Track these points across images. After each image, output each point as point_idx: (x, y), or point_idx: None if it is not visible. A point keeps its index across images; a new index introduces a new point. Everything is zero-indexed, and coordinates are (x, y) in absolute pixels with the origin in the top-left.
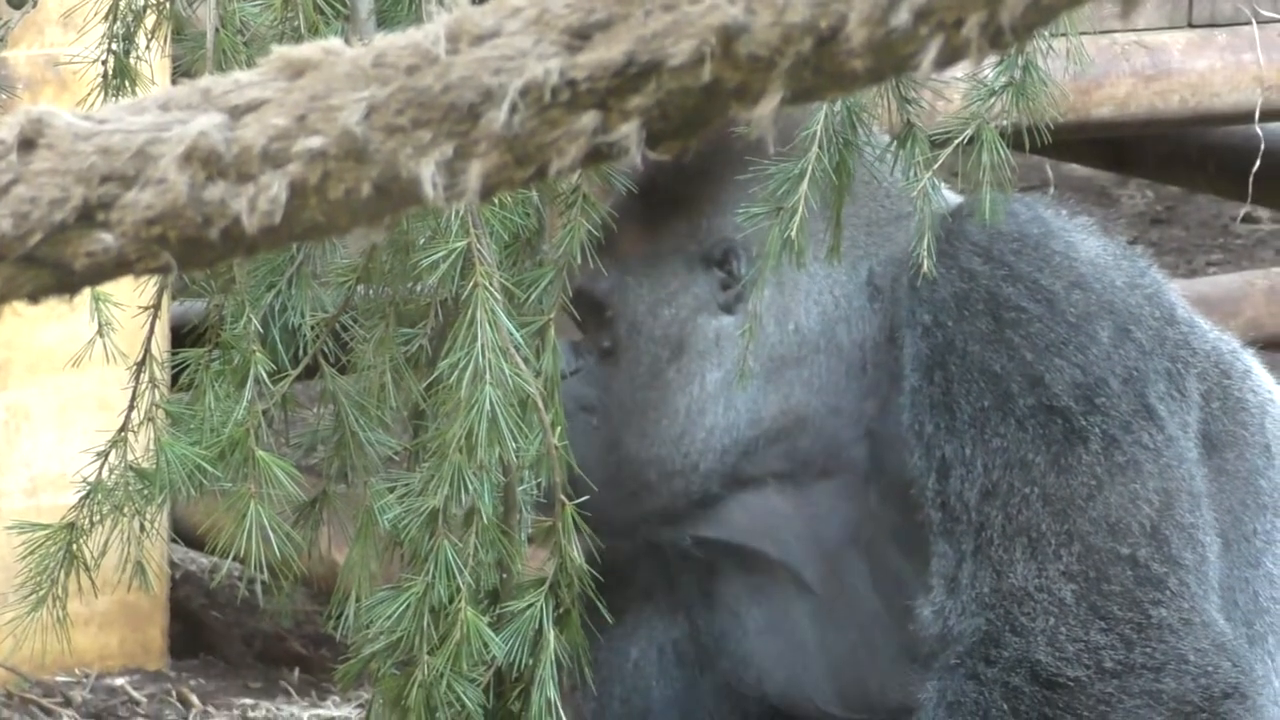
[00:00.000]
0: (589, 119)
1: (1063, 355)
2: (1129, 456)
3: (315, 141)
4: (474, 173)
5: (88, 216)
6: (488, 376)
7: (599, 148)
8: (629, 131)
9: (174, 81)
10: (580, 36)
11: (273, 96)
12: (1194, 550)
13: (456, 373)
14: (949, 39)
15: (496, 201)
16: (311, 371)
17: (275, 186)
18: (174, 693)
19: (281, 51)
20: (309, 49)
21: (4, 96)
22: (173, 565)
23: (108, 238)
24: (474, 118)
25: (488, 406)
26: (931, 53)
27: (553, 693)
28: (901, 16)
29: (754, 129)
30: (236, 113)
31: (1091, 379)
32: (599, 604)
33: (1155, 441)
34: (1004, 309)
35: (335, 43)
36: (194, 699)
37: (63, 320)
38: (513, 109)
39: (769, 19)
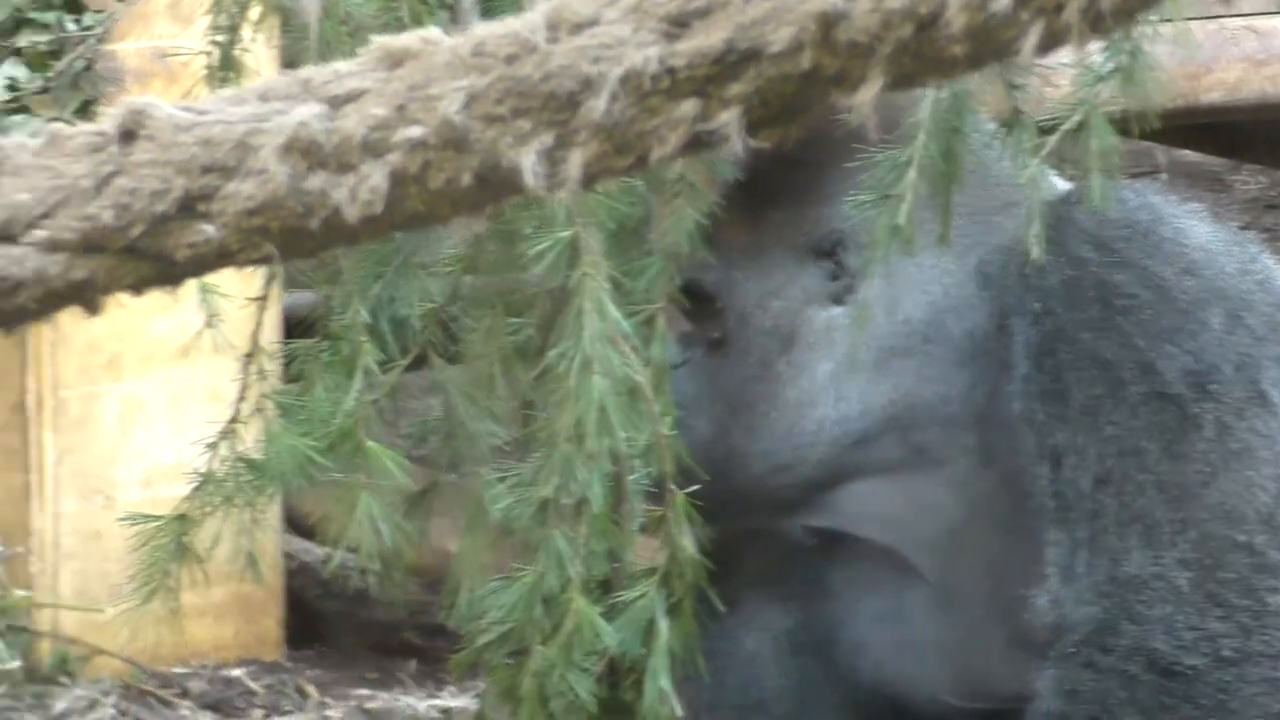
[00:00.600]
0: (689, 107)
1: (1174, 342)
2: (1243, 443)
3: (415, 131)
4: (575, 161)
5: (189, 208)
6: (596, 366)
7: (699, 136)
8: (729, 119)
9: (280, 73)
10: (679, 24)
11: (372, 86)
12: None
13: (565, 362)
14: (1049, 24)
15: (601, 190)
16: (420, 362)
17: (376, 176)
18: (291, 684)
19: (381, 41)
20: (408, 39)
21: (112, 89)
22: (287, 556)
23: (209, 229)
24: (574, 106)
25: (596, 396)
26: (1032, 38)
27: (666, 683)
28: (1001, 2)
29: (855, 116)
30: (336, 103)
31: (1204, 365)
32: (710, 594)
33: (1270, 428)
34: (1114, 296)
35: (434, 32)
36: (311, 690)
37: (172, 312)
38: (613, 97)
39: (868, 5)
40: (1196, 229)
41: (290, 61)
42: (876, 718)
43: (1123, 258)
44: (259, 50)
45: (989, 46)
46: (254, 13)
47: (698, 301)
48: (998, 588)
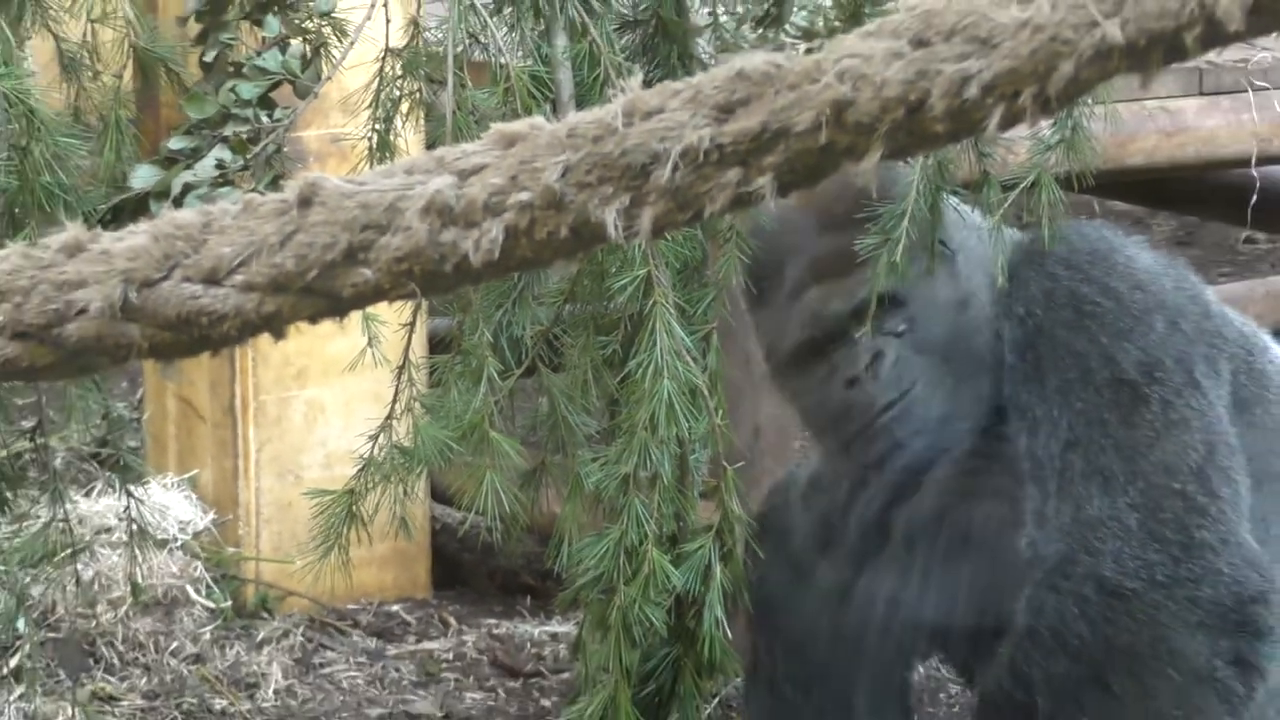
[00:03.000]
0: (734, 174)
1: (1129, 340)
2: (1180, 415)
3: (524, 195)
4: (646, 217)
5: (351, 256)
6: (665, 373)
7: (741, 196)
8: (764, 182)
9: (423, 153)
10: (726, 111)
11: (491, 161)
12: (1230, 487)
13: (641, 370)
14: (1009, 107)
15: (669, 238)
16: (531, 371)
17: (494, 230)
18: (436, 616)
19: (498, 127)
20: (519, 125)
21: (298, 166)
22: (434, 519)
23: (367, 272)
24: (645, 175)
25: (666, 396)
26: (996, 117)
27: (720, 612)
28: (972, 90)
29: (863, 178)
30: (464, 175)
31: (1151, 359)
32: (763, 553)
33: (1200, 405)
34: (1083, 303)
35: (539, 119)
36: (451, 620)
37: (346, 335)
38: (675, 167)
39: (870, 94)
40: (1141, 255)
41: (431, 144)
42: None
43: (1088, 275)
44: (408, 135)
45: (963, 124)
46: (404, 107)
47: (893, 303)
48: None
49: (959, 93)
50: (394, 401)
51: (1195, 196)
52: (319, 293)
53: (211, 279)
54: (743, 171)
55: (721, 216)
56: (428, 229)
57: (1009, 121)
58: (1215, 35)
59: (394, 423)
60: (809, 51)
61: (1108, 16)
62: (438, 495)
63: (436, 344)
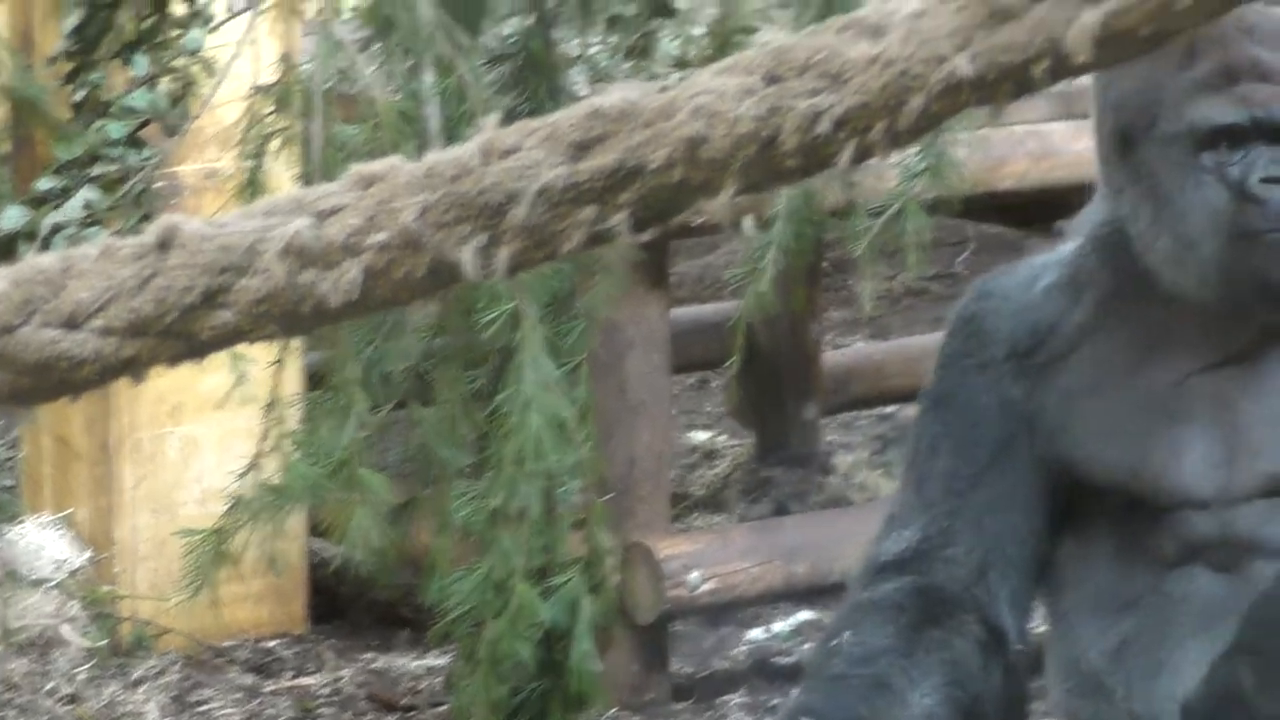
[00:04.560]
0: (589, 211)
1: None
2: None
3: (382, 236)
4: (503, 256)
5: (210, 299)
6: (533, 406)
7: (597, 233)
8: (620, 220)
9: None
10: (582, 149)
11: (350, 202)
12: None
13: (510, 404)
14: (860, 141)
15: (535, 272)
16: (401, 405)
17: (353, 271)
18: (314, 651)
19: (357, 168)
20: (377, 165)
21: (174, 201)
22: (311, 554)
23: (226, 315)
24: (502, 213)
25: (534, 429)
26: (848, 152)
27: (588, 645)
28: (824, 125)
29: (719, 214)
30: (323, 216)
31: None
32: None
33: None
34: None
35: (396, 159)
36: (329, 655)
37: (220, 371)
38: (531, 206)
39: (724, 131)
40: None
41: (304, 181)
42: None
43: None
44: (280, 170)
45: (815, 159)
46: (274, 144)
47: None
48: None
49: (811, 128)
50: (263, 439)
51: (1065, 218)
52: (178, 335)
53: (71, 324)
54: (599, 209)
55: (578, 254)
56: (286, 270)
57: (861, 155)
58: (1063, 67)
59: (264, 460)
60: (683, 81)
61: (957, 51)
62: (316, 530)
63: (314, 379)
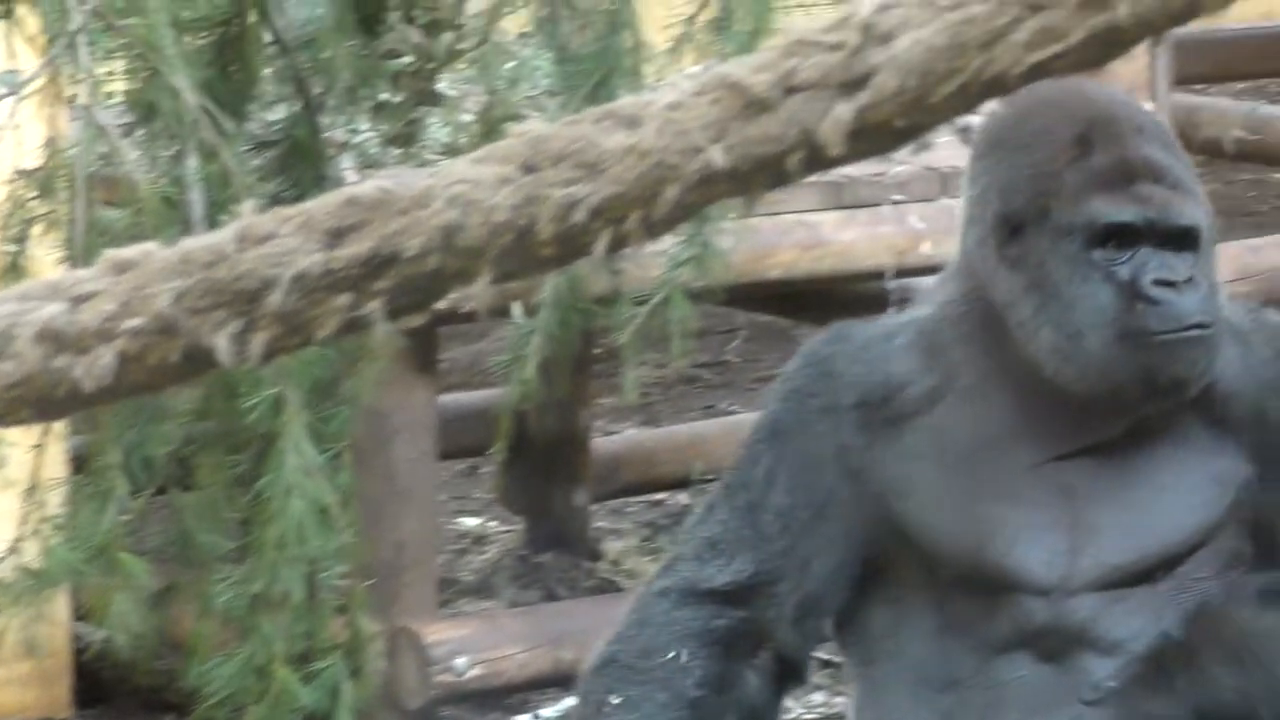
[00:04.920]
0: (345, 299)
1: None
2: None
3: (136, 321)
4: (258, 342)
5: None
6: (295, 492)
7: (352, 320)
8: (375, 307)
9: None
10: (336, 236)
11: (105, 288)
12: None
13: (271, 489)
14: (615, 231)
15: (299, 356)
16: (162, 490)
17: (106, 357)
18: None
19: (110, 253)
20: (131, 251)
21: None
22: (79, 638)
23: None
24: (257, 300)
25: (295, 515)
26: (603, 242)
27: None
28: (579, 215)
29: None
30: (77, 301)
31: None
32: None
33: None
34: None
35: (151, 245)
36: None
37: None
38: (287, 292)
39: (479, 219)
40: None
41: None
42: None
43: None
44: (42, 254)
45: (572, 248)
46: (36, 229)
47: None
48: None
49: (566, 217)
50: (23, 522)
51: (835, 307)
52: None
53: None
54: (354, 297)
55: (334, 341)
56: (40, 355)
57: (617, 244)
58: (816, 160)
59: (24, 544)
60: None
61: (712, 142)
62: (80, 614)
63: (77, 462)
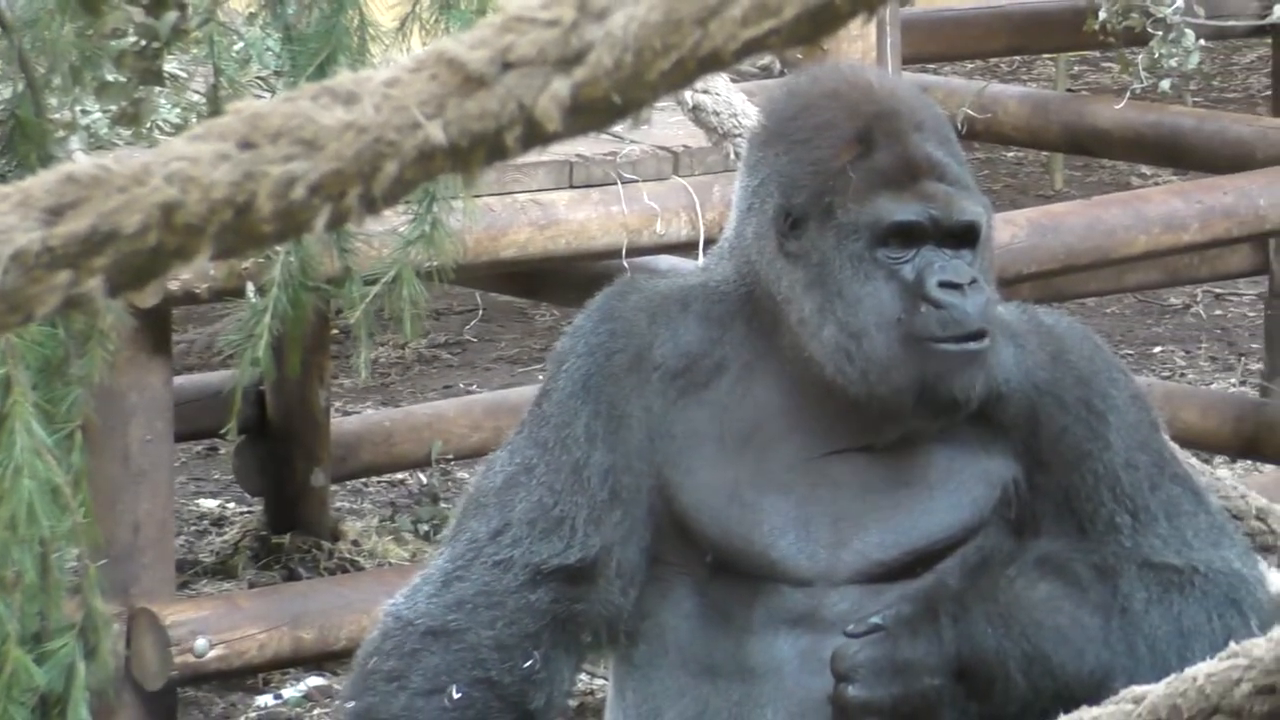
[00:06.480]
0: (64, 276)
1: None
2: None
3: None
4: None
5: None
6: (25, 472)
7: (73, 297)
8: (95, 285)
9: None
10: (54, 214)
11: None
12: None
13: (1, 469)
14: (336, 207)
15: (21, 336)
16: None
17: None
18: None
19: None
20: None
21: None
22: None
23: None
24: None
25: (26, 495)
26: (324, 218)
27: (84, 712)
28: (298, 191)
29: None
30: None
31: None
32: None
33: None
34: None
35: None
36: None
37: None
38: (5, 270)
39: (198, 196)
40: None
41: None
42: None
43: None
44: None
45: (291, 224)
46: None
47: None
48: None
49: (285, 194)
50: None
51: (571, 286)
52: None
53: None
54: (73, 274)
55: (54, 318)
56: None
57: (336, 221)
58: (535, 135)
59: None
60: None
61: (430, 118)
62: None
63: None
